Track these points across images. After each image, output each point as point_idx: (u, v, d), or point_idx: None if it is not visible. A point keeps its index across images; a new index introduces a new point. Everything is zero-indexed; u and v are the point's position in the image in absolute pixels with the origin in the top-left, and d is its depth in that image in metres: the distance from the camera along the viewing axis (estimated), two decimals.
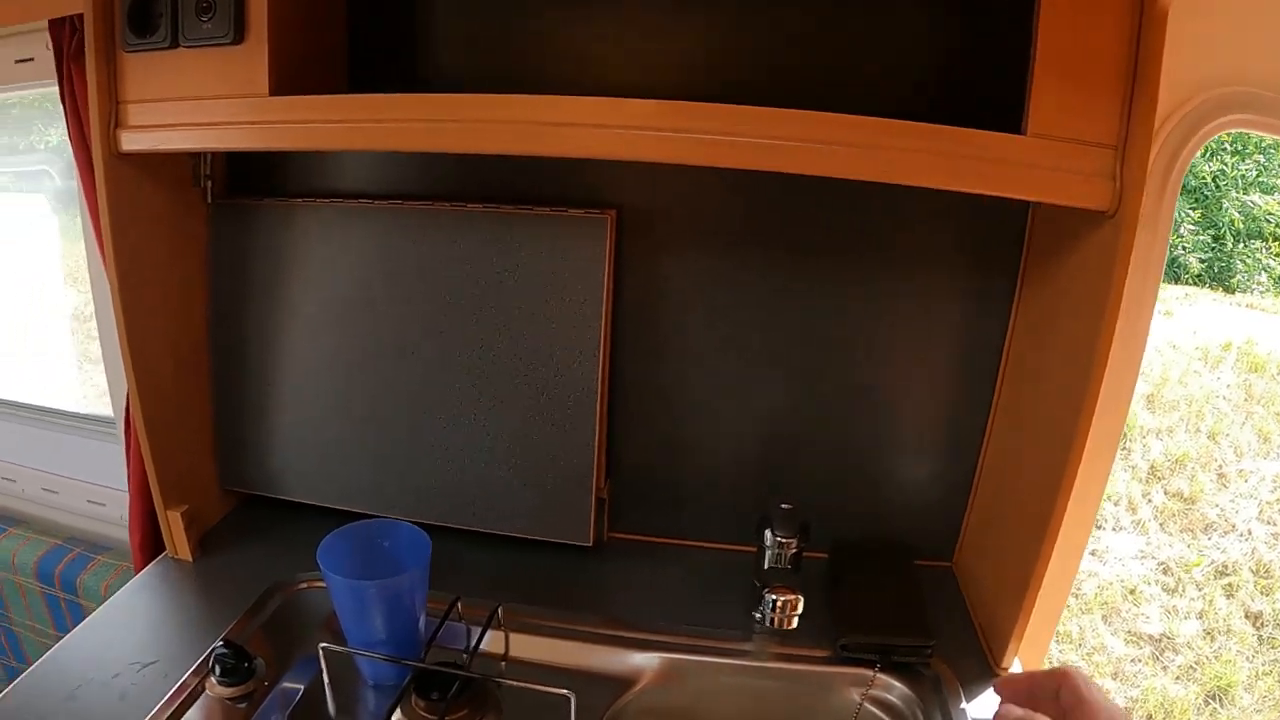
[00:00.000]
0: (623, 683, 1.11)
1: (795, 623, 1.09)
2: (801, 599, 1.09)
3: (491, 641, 1.11)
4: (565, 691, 0.95)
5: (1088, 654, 3.18)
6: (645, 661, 1.13)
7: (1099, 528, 3.73)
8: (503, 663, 1.13)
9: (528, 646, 1.14)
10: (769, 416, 1.30)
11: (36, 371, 2.02)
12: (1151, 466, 4.01)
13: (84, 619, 1.73)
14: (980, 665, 1.13)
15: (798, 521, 1.14)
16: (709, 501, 1.36)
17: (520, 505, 1.29)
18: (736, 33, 1.15)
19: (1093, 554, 3.60)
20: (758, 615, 1.11)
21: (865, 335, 1.24)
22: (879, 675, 1.10)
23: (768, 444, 1.32)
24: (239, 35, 0.99)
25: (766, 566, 1.15)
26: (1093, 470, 1.19)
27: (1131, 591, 3.44)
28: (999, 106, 0.92)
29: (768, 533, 1.15)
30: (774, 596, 1.09)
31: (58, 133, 1.79)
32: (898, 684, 1.10)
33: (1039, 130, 0.88)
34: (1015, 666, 1.11)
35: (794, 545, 1.14)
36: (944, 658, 1.12)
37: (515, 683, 0.98)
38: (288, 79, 1.01)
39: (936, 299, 1.22)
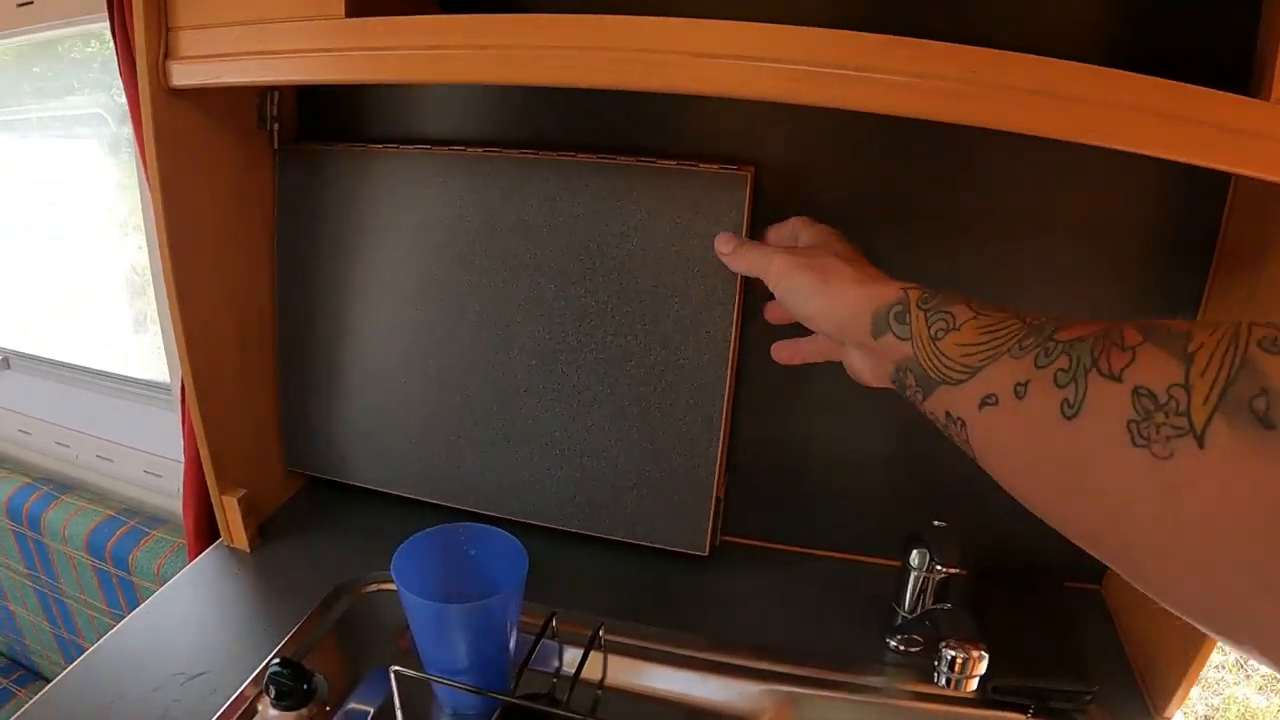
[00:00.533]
0: None
1: (974, 684, 0.90)
2: (985, 656, 0.89)
3: (588, 665, 0.95)
4: None
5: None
6: (765, 695, 0.97)
7: None
8: (599, 690, 0.96)
9: (629, 672, 0.98)
10: (908, 417, 1.10)
11: (93, 332, 1.90)
12: None
13: (137, 599, 1.65)
14: (1139, 711, 0.96)
15: (956, 542, 0.97)
16: (835, 506, 1.18)
17: (626, 505, 1.11)
18: None
19: None
20: (937, 676, 0.92)
21: None
22: None
23: (905, 447, 1.13)
24: None
25: (911, 591, 0.99)
26: None
27: None
28: (1215, 64, 0.72)
29: (915, 554, 0.98)
30: (952, 653, 0.89)
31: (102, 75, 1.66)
32: None
33: None
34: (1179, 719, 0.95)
35: (945, 571, 0.97)
36: (1101, 703, 0.95)
37: None
38: None
39: (1104, 301, 1.02)
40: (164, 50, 0.91)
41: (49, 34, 1.66)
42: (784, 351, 0.88)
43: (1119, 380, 0.43)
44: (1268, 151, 0.67)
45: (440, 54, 0.79)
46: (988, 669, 0.90)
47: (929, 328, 0.61)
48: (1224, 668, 2.96)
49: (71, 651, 1.92)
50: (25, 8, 1.50)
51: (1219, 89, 0.66)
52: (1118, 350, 0.43)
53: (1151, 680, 0.98)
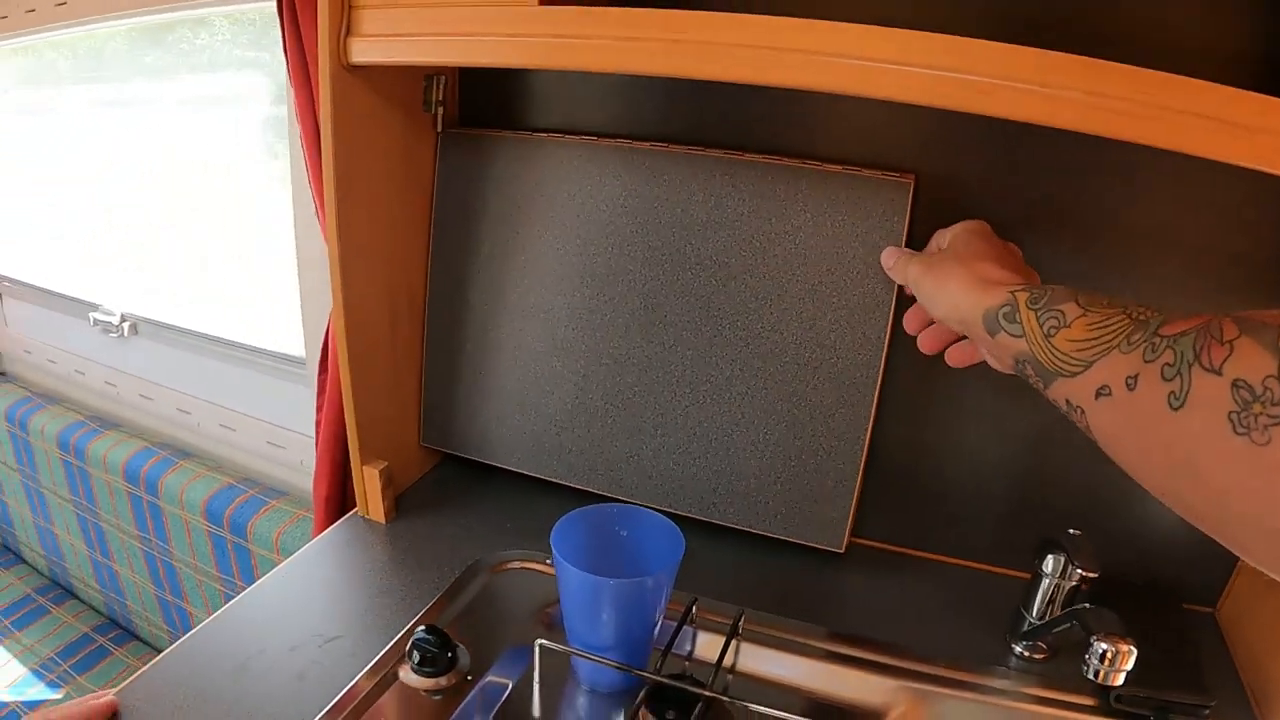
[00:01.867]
0: (870, 714, 0.96)
1: (1122, 679, 0.91)
2: (1134, 651, 0.90)
3: (715, 648, 0.96)
4: None
5: None
6: (893, 690, 0.98)
7: None
8: (730, 676, 0.98)
9: (761, 661, 0.99)
10: (1042, 428, 1.11)
11: (222, 305, 1.95)
12: None
13: (252, 565, 1.69)
14: None
15: (1091, 552, 0.97)
16: (967, 515, 1.18)
17: (769, 501, 1.12)
18: None
19: None
20: (1086, 669, 0.93)
21: None
22: None
23: (1037, 460, 1.13)
24: None
25: (1041, 598, 1.00)
26: None
27: None
28: None
29: (1051, 559, 0.98)
30: (1103, 645, 0.90)
31: (255, 54, 1.70)
32: None
33: None
34: None
35: (1078, 578, 0.97)
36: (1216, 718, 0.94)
37: (771, 711, 0.84)
38: None
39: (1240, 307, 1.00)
40: (346, 26, 0.94)
41: (160, 17, 1.71)
42: (927, 338, 0.92)
43: (1219, 374, 0.46)
44: None
45: (630, 45, 0.81)
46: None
47: (1041, 326, 0.65)
48: None
49: (174, 615, 1.98)
50: None
51: None
52: (1216, 344, 0.47)
53: (1263, 700, 0.98)
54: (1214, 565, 1.12)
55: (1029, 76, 0.70)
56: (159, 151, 1.96)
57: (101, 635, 2.14)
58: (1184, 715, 0.94)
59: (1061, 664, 1.01)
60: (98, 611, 2.25)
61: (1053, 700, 0.97)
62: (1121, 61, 0.68)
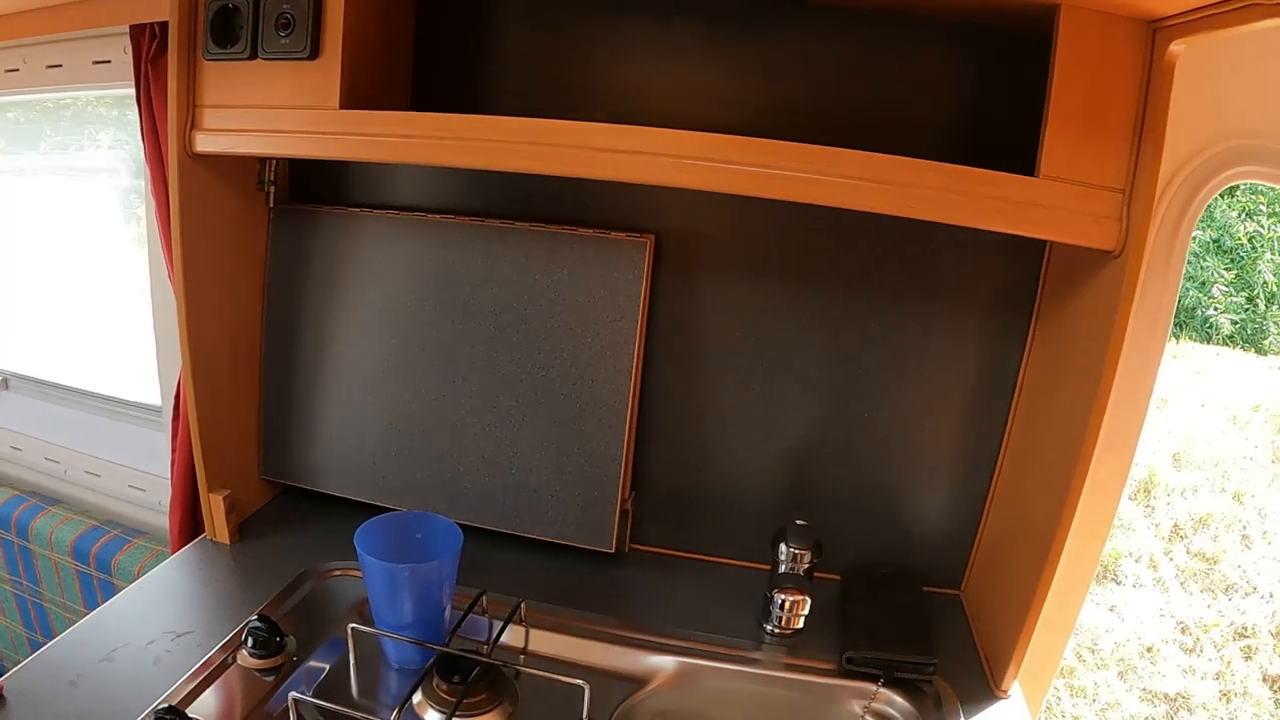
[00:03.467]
0: (636, 681, 1.16)
1: (801, 623, 1.14)
2: (809, 599, 1.14)
3: (512, 636, 1.16)
4: (580, 682, 1.00)
5: (1101, 710, 3.17)
6: (659, 663, 1.18)
7: (1118, 583, 3.73)
8: (522, 655, 1.18)
9: (547, 642, 1.19)
10: (793, 440, 1.35)
11: (80, 356, 2.09)
12: (1175, 525, 3.99)
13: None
14: (981, 687, 1.17)
15: (811, 536, 1.20)
16: (730, 519, 1.41)
17: (549, 511, 1.34)
18: (771, 75, 1.23)
19: (1111, 610, 3.60)
20: (767, 619, 1.17)
21: (888, 365, 1.30)
22: (881, 690, 1.14)
23: (790, 466, 1.37)
24: (315, 51, 1.07)
25: (784, 574, 1.21)
26: (1098, 507, 1.23)
27: (1149, 649, 3.43)
28: (1019, 149, 0.99)
29: (782, 545, 1.21)
30: (782, 596, 1.14)
31: (116, 134, 1.88)
32: (899, 699, 1.14)
33: (1051, 173, 0.95)
34: (1015, 689, 1.15)
35: (806, 559, 1.20)
36: (946, 678, 1.16)
37: (532, 671, 1.04)
38: (357, 94, 1.09)
39: (958, 333, 1.27)
40: (191, 122, 1.15)
41: (70, 95, 1.88)
42: None
43: None
44: (1039, 217, 0.96)
45: (413, 142, 1.04)
46: (847, 643, 1.15)
47: None
48: None
49: None
50: (53, 69, 1.72)
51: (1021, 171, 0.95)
52: None
53: (994, 662, 1.20)
54: (956, 552, 1.36)
55: (725, 157, 0.96)
56: (29, 217, 2.10)
57: None
58: (911, 673, 1.15)
59: (808, 637, 1.22)
60: None
61: (797, 666, 1.19)
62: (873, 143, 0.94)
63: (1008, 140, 1.04)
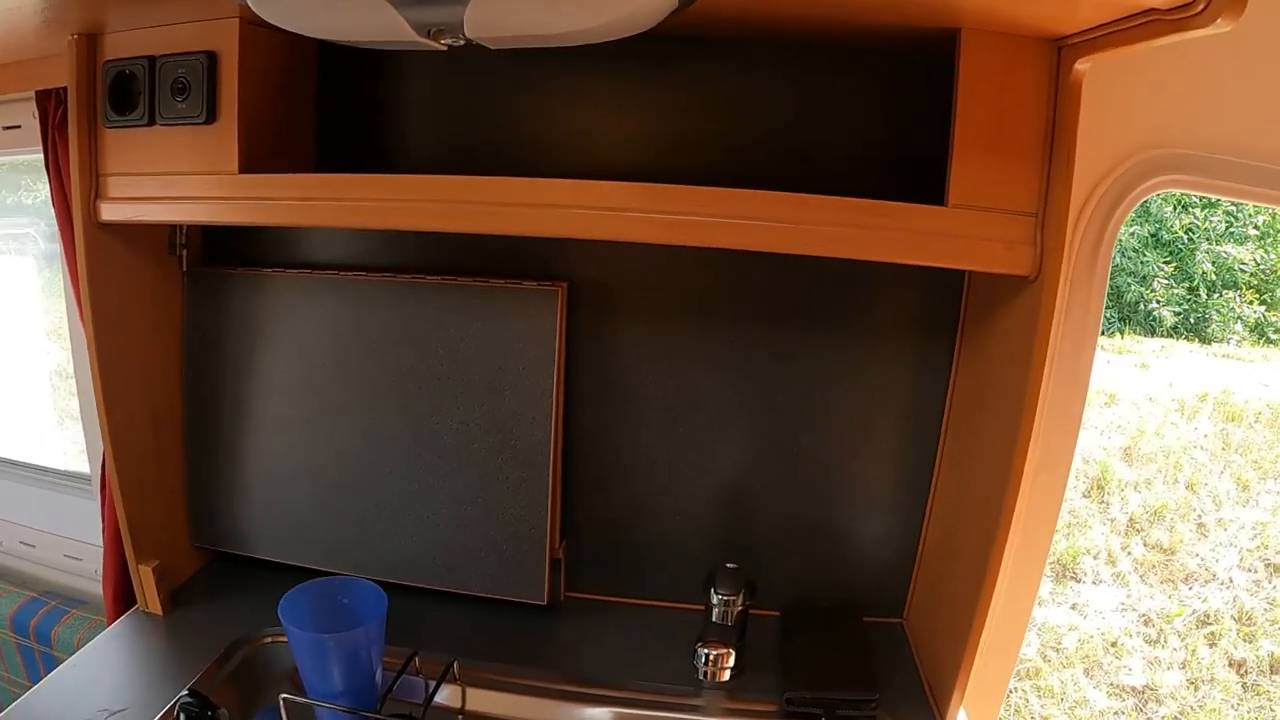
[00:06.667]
0: None
1: (727, 675, 1.14)
2: (732, 652, 1.13)
3: (449, 696, 1.15)
4: None
5: (1070, 708, 3.19)
6: (597, 716, 1.17)
7: (1078, 581, 3.76)
8: (459, 716, 1.16)
9: (484, 701, 1.18)
10: (723, 480, 1.34)
11: (18, 427, 2.06)
12: (1130, 519, 4.04)
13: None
14: (926, 718, 1.17)
15: (741, 580, 1.19)
16: (664, 562, 1.39)
17: (478, 565, 1.32)
18: (679, 113, 1.23)
19: (1073, 608, 3.64)
20: (697, 672, 1.16)
21: (816, 399, 1.29)
22: None
23: (722, 506, 1.36)
24: (211, 115, 1.05)
25: (712, 623, 1.19)
26: (1035, 527, 1.23)
27: (1113, 644, 3.46)
28: (939, 176, 0.98)
29: (712, 591, 1.20)
30: (706, 650, 1.13)
31: (40, 195, 1.85)
32: None
33: (960, 201, 0.95)
34: (960, 717, 1.14)
35: (739, 603, 1.19)
36: (890, 711, 1.15)
37: None
38: (257, 157, 1.07)
39: (884, 364, 1.27)
40: (95, 191, 1.13)
41: None
42: None
43: None
44: (949, 246, 0.96)
45: (314, 205, 1.03)
46: (787, 684, 1.14)
47: None
48: (1123, 713, 3.21)
49: None
50: None
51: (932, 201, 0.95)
52: None
53: (938, 692, 1.19)
54: (896, 580, 1.36)
55: (633, 205, 0.96)
56: None
57: None
58: (852, 710, 1.14)
59: (746, 681, 1.20)
60: None
61: (737, 710, 1.18)
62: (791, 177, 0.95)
63: (926, 167, 1.03)
